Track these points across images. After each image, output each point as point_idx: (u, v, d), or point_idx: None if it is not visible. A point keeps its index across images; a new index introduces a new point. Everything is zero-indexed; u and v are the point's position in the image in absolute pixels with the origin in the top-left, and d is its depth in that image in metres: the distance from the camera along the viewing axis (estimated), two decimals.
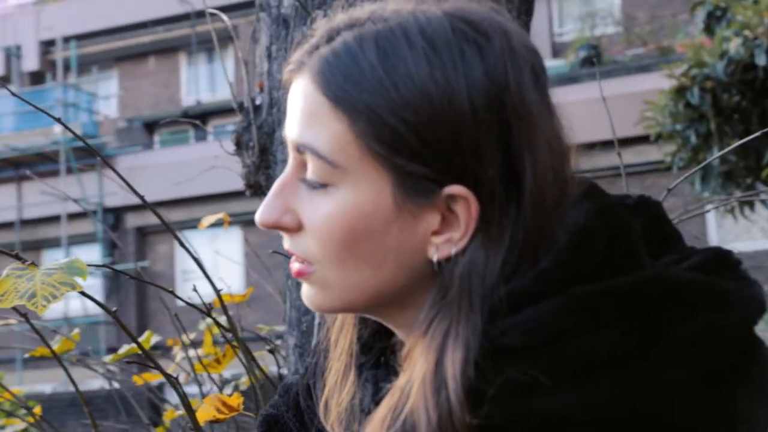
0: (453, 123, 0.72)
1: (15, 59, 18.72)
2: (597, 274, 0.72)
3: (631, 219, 0.78)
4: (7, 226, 16.84)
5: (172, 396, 2.60)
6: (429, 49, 0.73)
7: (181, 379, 2.09)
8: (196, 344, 1.97)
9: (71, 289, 1.06)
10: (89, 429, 2.35)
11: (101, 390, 8.80)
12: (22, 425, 1.91)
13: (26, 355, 1.72)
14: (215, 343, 1.89)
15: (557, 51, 16.51)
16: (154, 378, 2.05)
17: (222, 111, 16.55)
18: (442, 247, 0.75)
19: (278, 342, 2.22)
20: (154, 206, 1.50)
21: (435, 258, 0.75)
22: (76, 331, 1.86)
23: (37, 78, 19.00)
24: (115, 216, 16.32)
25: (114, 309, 1.21)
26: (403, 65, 0.72)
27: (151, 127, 18.12)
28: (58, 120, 1.41)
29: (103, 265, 1.24)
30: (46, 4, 19.52)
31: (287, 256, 0.81)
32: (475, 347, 0.69)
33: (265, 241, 3.42)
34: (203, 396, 1.74)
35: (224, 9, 2.21)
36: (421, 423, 0.69)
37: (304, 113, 0.76)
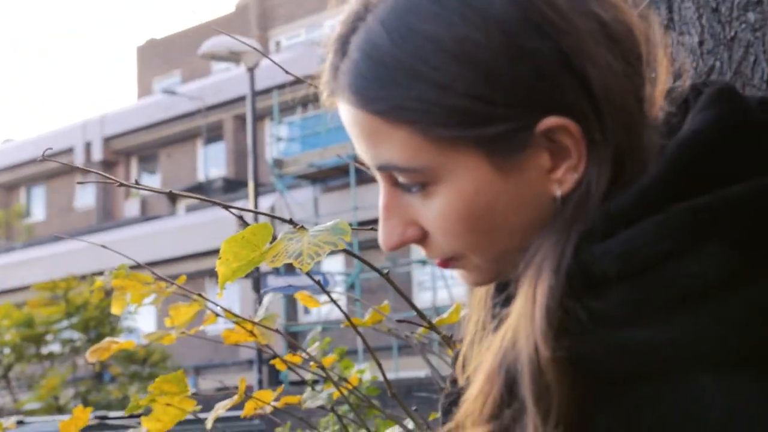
0: (501, 66, 0.67)
1: None
2: (711, 187, 0.64)
3: None
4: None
5: None
6: (436, 7, 0.68)
7: None
8: None
9: (333, 247, 1.11)
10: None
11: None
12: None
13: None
14: None
15: None
16: None
17: None
18: (565, 179, 0.70)
19: None
20: None
21: (559, 193, 0.70)
22: (385, 303, 1.93)
23: None
24: None
25: (386, 271, 1.23)
26: (422, 40, 0.67)
27: None
28: None
29: (365, 229, 1.27)
30: None
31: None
32: (562, 275, 0.65)
33: None
34: None
35: None
36: (523, 353, 0.66)
37: (364, 138, 0.72)
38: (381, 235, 0.75)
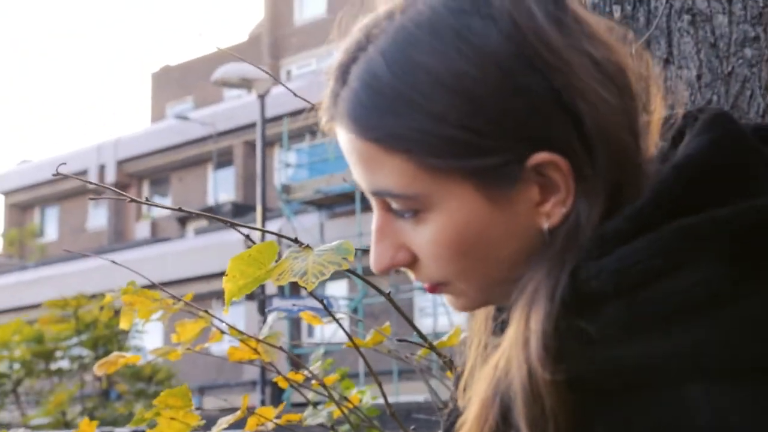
0: (495, 101, 0.69)
1: None
2: (705, 209, 0.66)
3: (763, 148, 0.70)
4: None
5: None
6: (435, 41, 0.70)
7: None
8: None
9: (338, 267, 1.13)
10: None
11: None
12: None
13: (343, 345, 1.83)
14: None
15: None
16: None
17: None
18: (553, 213, 0.72)
19: None
20: None
21: (546, 226, 0.72)
22: (387, 324, 1.95)
23: None
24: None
25: (388, 291, 1.26)
26: (421, 72, 0.70)
27: None
28: None
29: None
30: None
31: None
32: (557, 300, 0.67)
33: None
34: None
35: None
36: (515, 381, 0.67)
37: (360, 164, 0.75)
38: (372, 257, 0.78)
